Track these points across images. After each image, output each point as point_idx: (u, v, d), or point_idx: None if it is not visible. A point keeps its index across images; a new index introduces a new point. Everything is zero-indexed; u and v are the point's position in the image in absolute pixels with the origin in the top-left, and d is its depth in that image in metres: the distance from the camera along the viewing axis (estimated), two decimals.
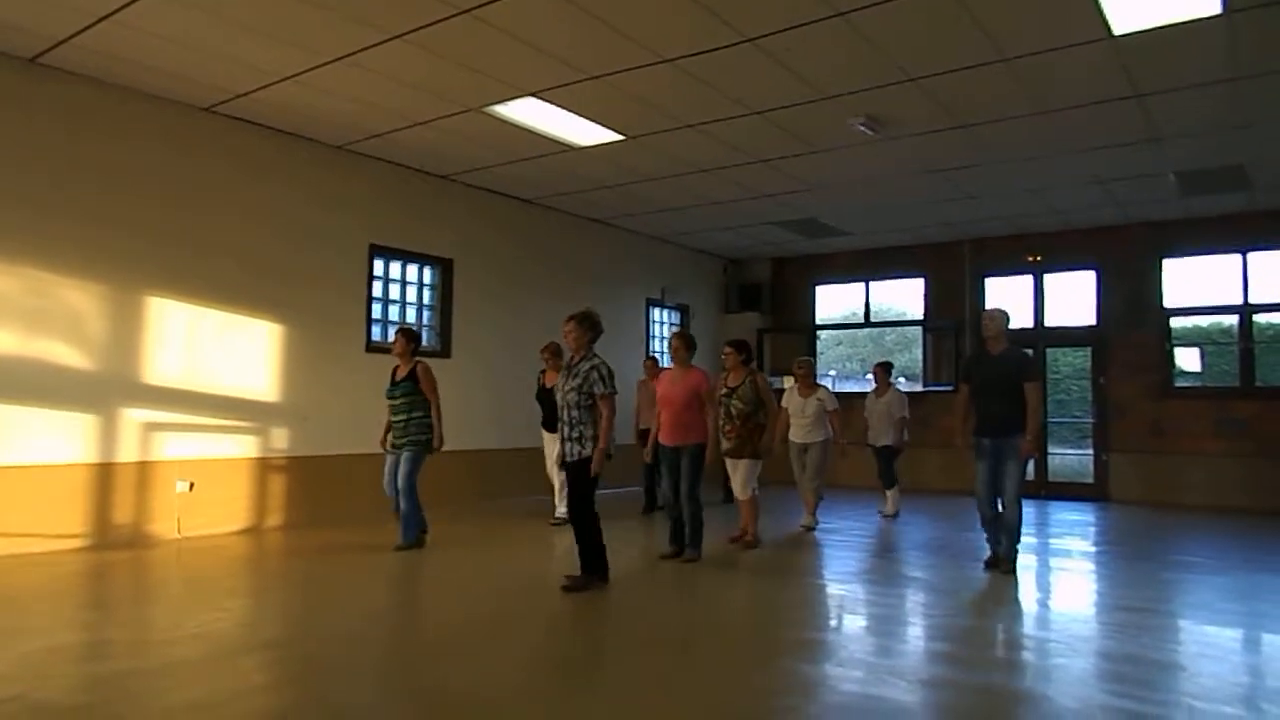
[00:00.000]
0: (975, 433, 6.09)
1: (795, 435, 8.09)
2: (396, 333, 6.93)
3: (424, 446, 6.64)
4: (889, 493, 9.14)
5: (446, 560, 6.49)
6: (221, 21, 5.57)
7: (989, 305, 6.23)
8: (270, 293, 7.68)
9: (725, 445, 7.01)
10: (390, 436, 6.71)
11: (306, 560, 6.42)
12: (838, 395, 8.48)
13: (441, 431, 6.67)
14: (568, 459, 5.38)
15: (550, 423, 8.03)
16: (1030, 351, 6.40)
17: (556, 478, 8.04)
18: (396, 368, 6.82)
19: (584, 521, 5.39)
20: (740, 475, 7.01)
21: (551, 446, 8.05)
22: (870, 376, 10.02)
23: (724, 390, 7.02)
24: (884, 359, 9.71)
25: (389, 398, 6.73)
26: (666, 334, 12.87)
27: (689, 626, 4.95)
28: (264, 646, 4.22)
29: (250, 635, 4.46)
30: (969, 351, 6.38)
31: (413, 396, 6.63)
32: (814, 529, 7.98)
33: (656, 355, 10.43)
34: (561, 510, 8.06)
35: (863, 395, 9.40)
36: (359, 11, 5.43)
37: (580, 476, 5.36)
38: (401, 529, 6.64)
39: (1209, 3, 5.15)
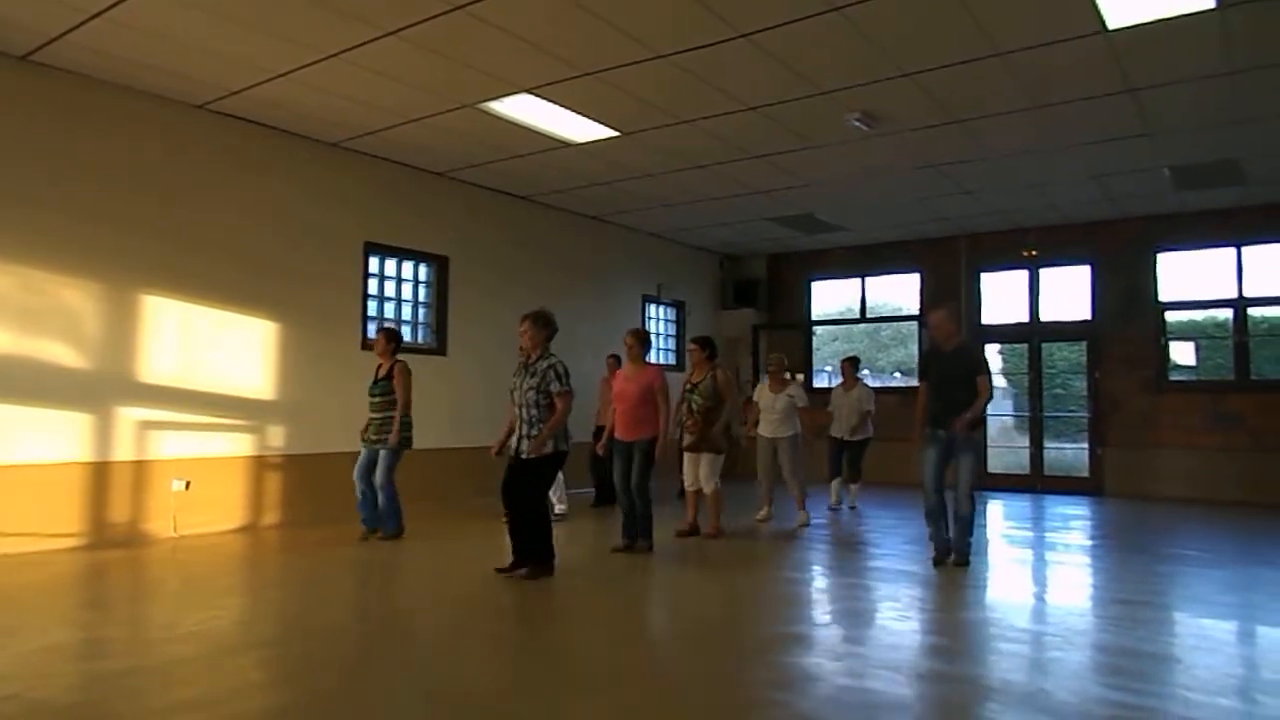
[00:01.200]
0: (930, 424, 6.19)
1: (764, 430, 8.18)
2: (378, 331, 7.15)
3: (401, 444, 6.84)
4: (852, 486, 9.33)
5: (442, 556, 6.50)
6: (215, 18, 5.55)
7: (937, 307, 6.52)
8: (266, 290, 7.66)
9: (687, 439, 7.25)
10: (367, 432, 6.94)
11: (303, 558, 6.42)
12: (828, 390, 8.54)
13: (400, 430, 6.82)
14: (524, 455, 5.42)
15: None
16: (981, 345, 6.63)
17: None
18: (380, 365, 7.02)
19: (540, 512, 5.54)
20: (704, 469, 7.16)
21: None
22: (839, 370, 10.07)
23: (687, 386, 7.24)
24: (851, 354, 9.80)
25: (369, 394, 6.98)
26: (663, 330, 12.88)
27: (675, 622, 4.96)
28: (260, 645, 4.23)
29: (247, 633, 4.46)
30: (924, 350, 6.73)
31: (390, 396, 6.85)
32: (807, 525, 8.02)
33: (618, 354, 10.40)
34: (561, 507, 8.22)
35: (873, 391, 9.51)
36: (354, 8, 5.41)
37: (539, 472, 5.47)
38: (383, 522, 6.87)
39: None
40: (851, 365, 9.46)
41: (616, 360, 9.42)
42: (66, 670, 3.74)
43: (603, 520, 8.10)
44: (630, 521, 6.62)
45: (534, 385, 5.40)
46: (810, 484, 8.32)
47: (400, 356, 7.01)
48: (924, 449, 6.18)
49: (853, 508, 9.21)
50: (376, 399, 6.91)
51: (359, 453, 6.99)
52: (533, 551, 5.48)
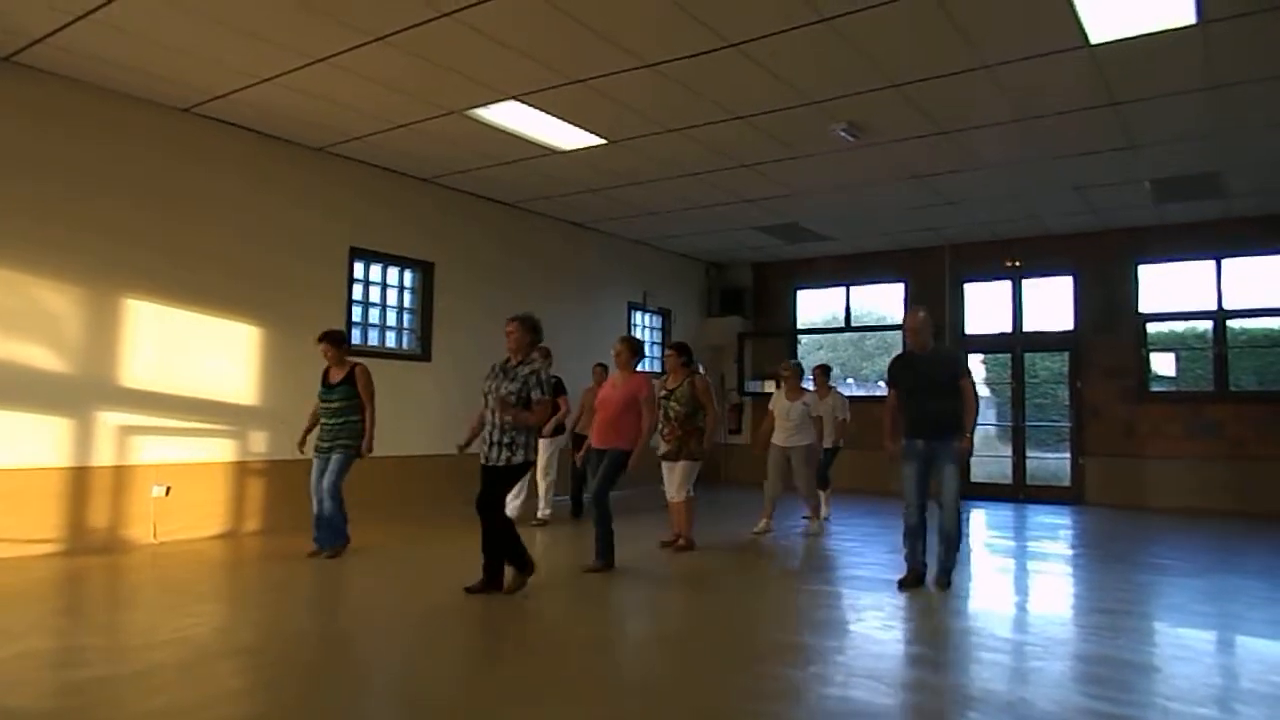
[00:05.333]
0: (908, 434, 5.73)
1: (778, 438, 8.01)
2: (321, 337, 6.68)
3: (354, 451, 6.55)
4: (822, 494, 8.85)
5: (426, 563, 6.46)
6: (202, 21, 5.52)
7: (913, 308, 5.91)
8: (248, 295, 7.61)
9: (664, 448, 7.03)
10: (316, 439, 6.61)
11: (283, 565, 6.36)
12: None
13: (373, 436, 6.58)
14: (491, 463, 5.27)
15: None
16: (959, 350, 6.24)
17: (542, 478, 8.31)
18: (328, 370, 6.68)
19: (505, 525, 5.35)
20: (677, 477, 6.97)
21: None
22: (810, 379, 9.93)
23: (663, 393, 6.99)
24: (823, 363, 9.62)
25: (323, 400, 6.62)
26: (649, 338, 12.88)
27: (661, 633, 4.95)
28: (239, 652, 4.19)
29: (226, 641, 4.42)
30: (895, 354, 6.12)
31: (349, 400, 6.54)
32: (820, 532, 8.05)
33: (604, 364, 10.37)
34: (545, 510, 8.41)
35: (846, 398, 9.42)
36: (341, 13, 5.40)
37: (505, 482, 5.31)
38: (324, 533, 6.50)
39: (1184, 13, 5.23)
40: (824, 373, 9.16)
41: (604, 369, 9.41)
42: (42, 678, 3.70)
43: (583, 530, 8.01)
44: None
45: (514, 390, 5.24)
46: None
47: (354, 360, 6.71)
48: (904, 463, 5.75)
49: (825, 517, 8.80)
50: (334, 404, 6.53)
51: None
52: (511, 562, 5.32)
